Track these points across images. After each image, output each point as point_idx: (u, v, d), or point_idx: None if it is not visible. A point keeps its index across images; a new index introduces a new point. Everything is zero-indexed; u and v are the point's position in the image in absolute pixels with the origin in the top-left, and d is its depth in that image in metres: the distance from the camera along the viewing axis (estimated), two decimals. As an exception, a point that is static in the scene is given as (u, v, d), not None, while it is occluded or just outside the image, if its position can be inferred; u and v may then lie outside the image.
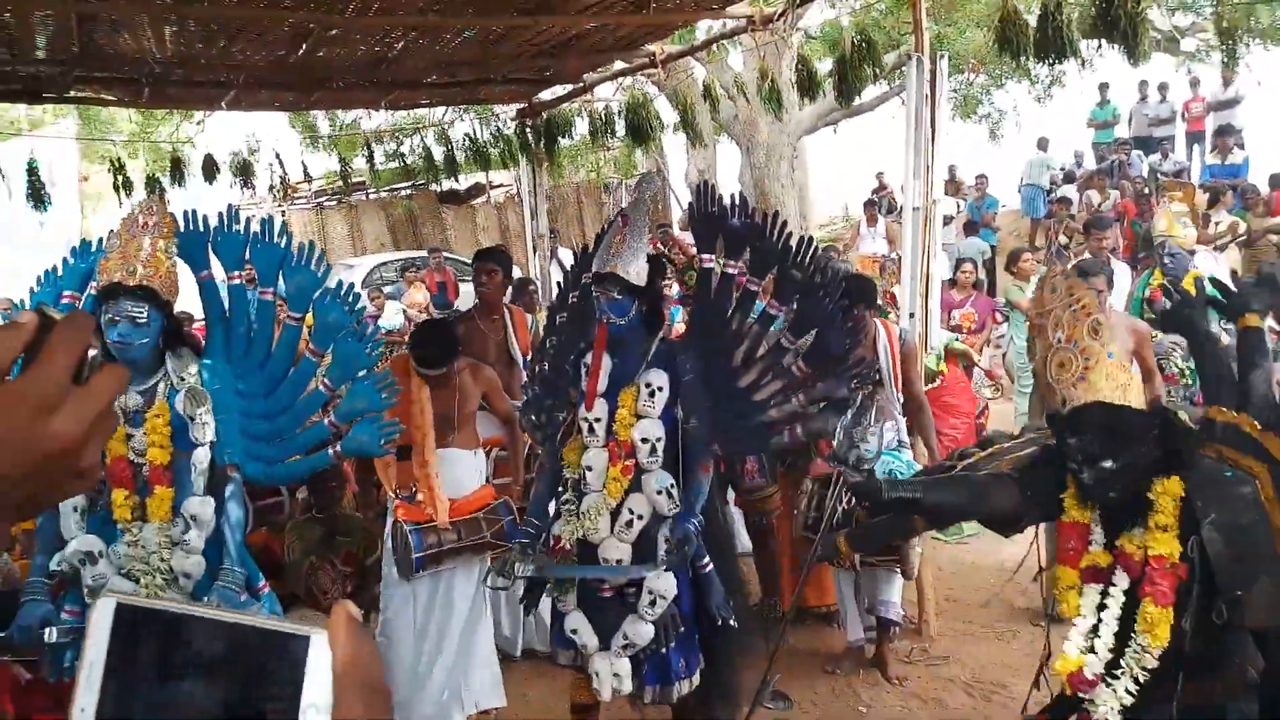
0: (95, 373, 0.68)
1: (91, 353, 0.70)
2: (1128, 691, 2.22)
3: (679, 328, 6.28)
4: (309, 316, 3.57)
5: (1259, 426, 2.18)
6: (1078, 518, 2.42)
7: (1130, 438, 2.21)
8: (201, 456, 3.24)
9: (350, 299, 3.61)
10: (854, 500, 4.31)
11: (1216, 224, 10.57)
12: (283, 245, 3.51)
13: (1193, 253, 6.36)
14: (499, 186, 18.76)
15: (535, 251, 8.39)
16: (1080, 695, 2.31)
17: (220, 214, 3.53)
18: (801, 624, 5.26)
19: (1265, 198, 11.39)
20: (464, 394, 4.43)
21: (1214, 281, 2.64)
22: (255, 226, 3.54)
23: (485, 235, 18.06)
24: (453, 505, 4.28)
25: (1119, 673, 2.23)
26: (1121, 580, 2.28)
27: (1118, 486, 2.23)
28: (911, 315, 4.99)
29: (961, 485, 2.77)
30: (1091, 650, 2.27)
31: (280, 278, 3.53)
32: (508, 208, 18.33)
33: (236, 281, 3.49)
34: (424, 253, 14.64)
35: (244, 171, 8.82)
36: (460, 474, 4.43)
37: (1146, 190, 12.91)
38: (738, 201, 3.67)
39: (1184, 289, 2.57)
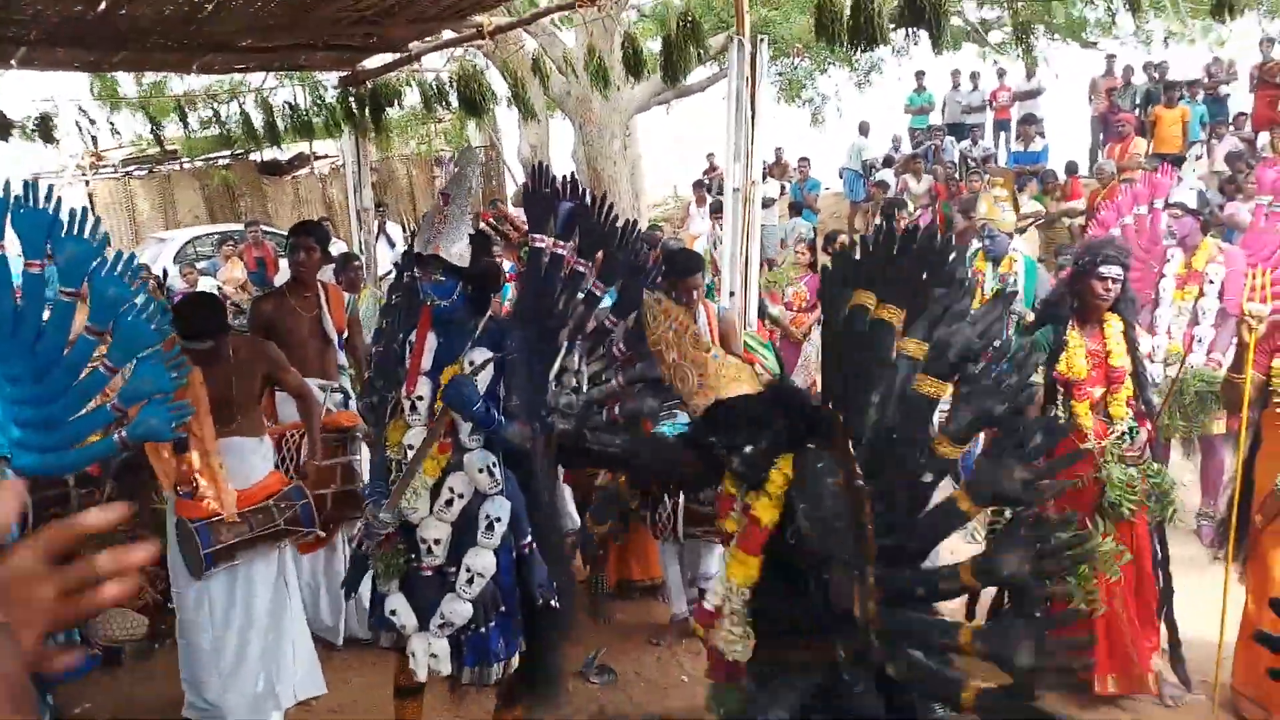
0: None
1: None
2: (731, 630, 2.40)
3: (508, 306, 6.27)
4: (84, 291, 3.29)
5: (839, 417, 2.31)
6: (731, 490, 2.54)
7: (759, 420, 2.36)
8: None
9: (130, 270, 3.36)
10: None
11: (1019, 209, 11.30)
12: (51, 211, 3.21)
13: (1011, 235, 6.77)
14: (323, 157, 18.10)
15: (360, 226, 8.13)
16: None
17: None
18: (628, 598, 5.36)
19: (1062, 184, 12.24)
20: (243, 375, 4.13)
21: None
22: (17, 190, 3.22)
23: (308, 208, 17.38)
24: (240, 495, 4.04)
25: (734, 616, 2.41)
26: None
27: (764, 465, 2.37)
28: (732, 294, 5.11)
29: (659, 446, 2.96)
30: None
31: (49, 248, 3.22)
32: (332, 180, 17.71)
33: None
34: (241, 226, 13.99)
35: (45, 130, 8.12)
36: (246, 465, 4.17)
37: (956, 175, 13.64)
38: (569, 182, 3.72)
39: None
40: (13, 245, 3.21)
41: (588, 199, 3.77)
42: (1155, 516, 4.23)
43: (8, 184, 3.22)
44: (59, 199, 3.31)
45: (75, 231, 3.26)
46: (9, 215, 3.19)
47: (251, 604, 4.20)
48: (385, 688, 3.85)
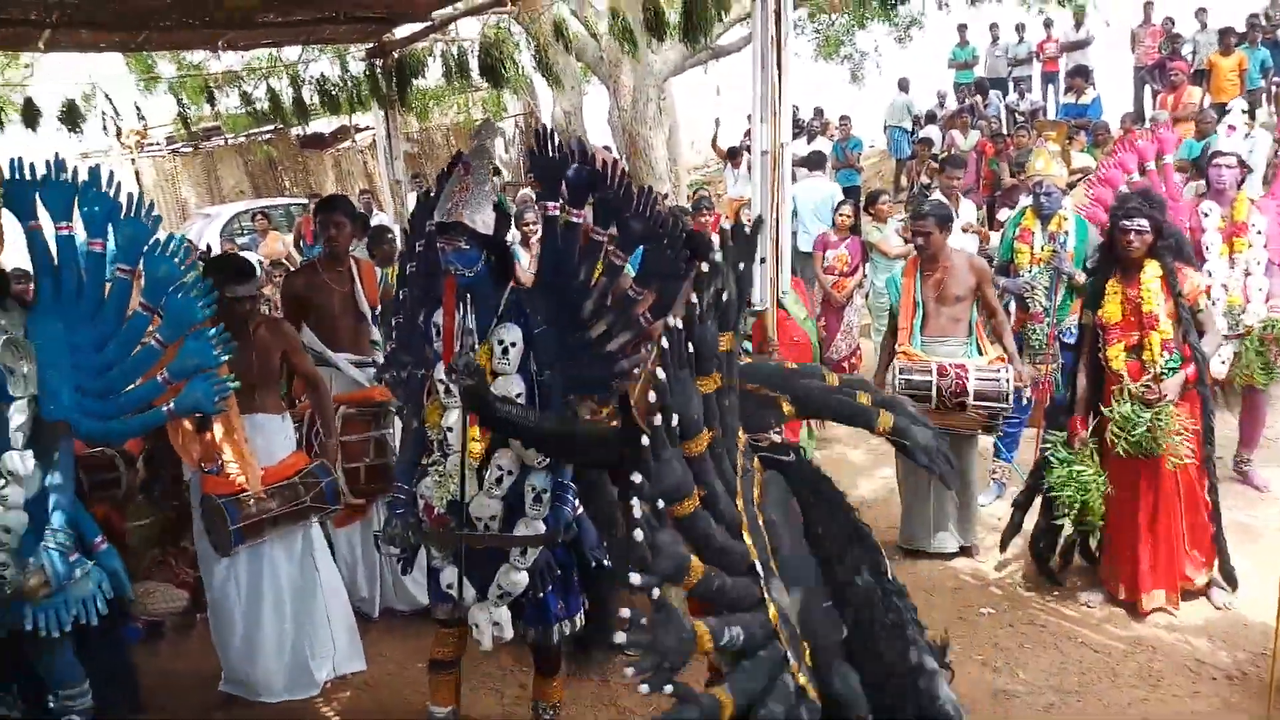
0: None
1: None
2: None
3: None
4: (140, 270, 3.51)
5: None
6: None
7: None
8: (20, 410, 3.22)
9: (180, 252, 3.56)
10: None
11: (1070, 164, 10.93)
12: (112, 195, 3.46)
13: (1066, 191, 6.54)
14: (365, 129, 18.14)
15: (395, 199, 8.09)
16: None
17: (47, 162, 3.45)
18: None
19: (1117, 136, 11.79)
20: (263, 352, 4.18)
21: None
22: (84, 175, 3.44)
23: (351, 181, 17.49)
24: (265, 473, 4.06)
25: None
26: None
27: None
28: (763, 260, 4.98)
29: (568, 428, 2.85)
30: None
31: (110, 229, 3.46)
32: (373, 152, 17.73)
33: (65, 232, 3.39)
34: (284, 200, 14.09)
35: (71, 117, 8.19)
36: (268, 440, 4.19)
37: (1004, 130, 13.26)
38: (579, 148, 3.60)
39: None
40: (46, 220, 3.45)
41: (598, 164, 3.59)
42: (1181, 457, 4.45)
43: (75, 170, 3.45)
44: (119, 184, 3.54)
45: (133, 214, 3.48)
46: (76, 198, 3.42)
47: (278, 582, 4.22)
48: (421, 660, 3.85)
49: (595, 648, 3.76)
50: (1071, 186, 7.12)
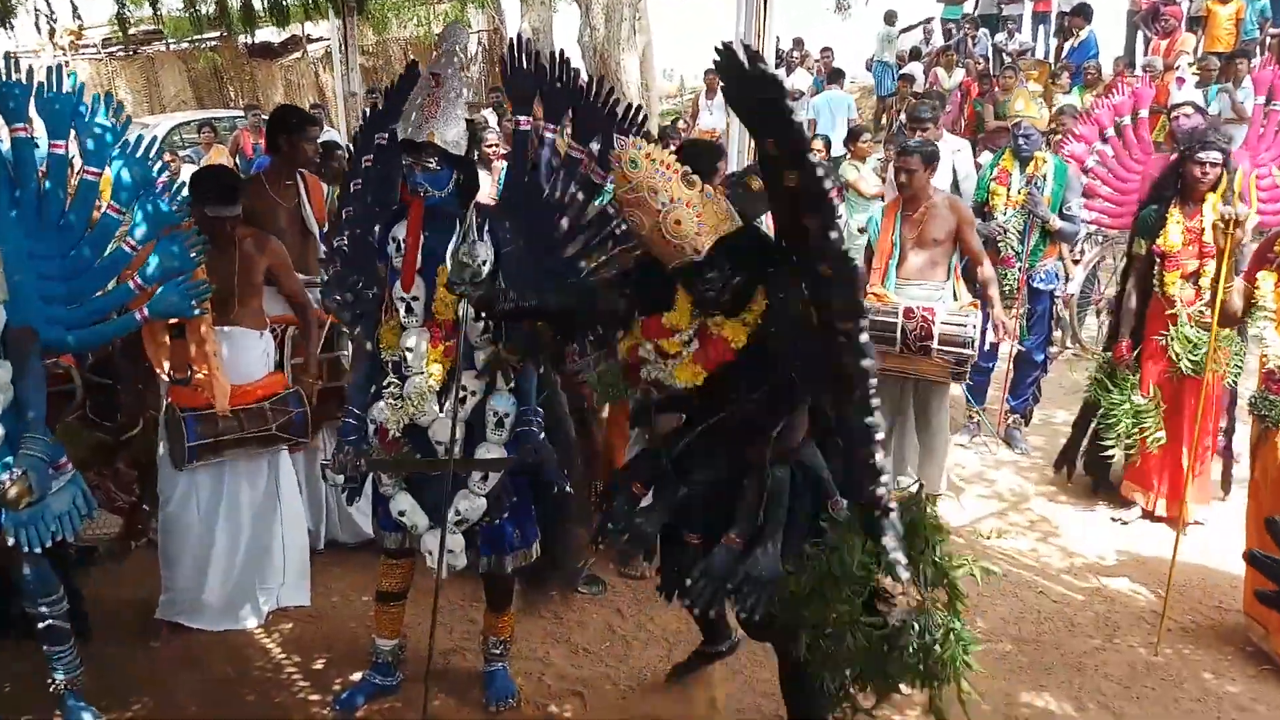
0: None
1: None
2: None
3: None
4: (107, 172, 3.39)
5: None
6: (674, 322, 2.66)
7: (753, 253, 2.56)
8: None
9: (152, 153, 3.49)
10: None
11: (1052, 105, 10.65)
12: (74, 96, 3.34)
13: (1045, 133, 6.40)
14: (317, 40, 17.39)
15: (346, 112, 7.66)
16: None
17: None
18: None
19: (1106, 78, 11.49)
20: (246, 264, 3.93)
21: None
22: (40, 76, 3.29)
23: (300, 94, 16.78)
24: (236, 391, 3.86)
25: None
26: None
27: (746, 295, 2.58)
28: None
29: (572, 289, 3.09)
30: None
31: (73, 130, 3.33)
32: (326, 64, 17.00)
33: (21, 135, 3.23)
34: (230, 113, 13.46)
35: (1, 11, 7.57)
36: (244, 356, 3.98)
37: (990, 70, 12.94)
38: (563, 62, 3.45)
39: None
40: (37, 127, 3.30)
41: (582, 80, 3.48)
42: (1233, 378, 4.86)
43: (30, 70, 3.29)
44: (82, 84, 3.42)
45: (99, 115, 3.35)
46: (33, 99, 3.26)
47: (237, 506, 4.06)
48: (366, 593, 3.78)
49: (549, 582, 3.69)
50: (1055, 131, 6.97)
